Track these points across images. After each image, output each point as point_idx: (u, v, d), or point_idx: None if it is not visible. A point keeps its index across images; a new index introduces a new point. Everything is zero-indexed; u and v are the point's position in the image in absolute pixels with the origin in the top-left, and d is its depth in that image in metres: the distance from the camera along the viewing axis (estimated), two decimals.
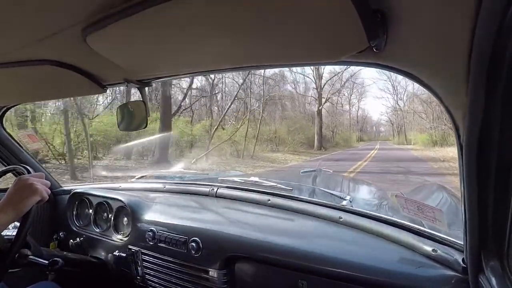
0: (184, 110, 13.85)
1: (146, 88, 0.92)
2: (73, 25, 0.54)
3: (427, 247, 0.78)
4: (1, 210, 0.79)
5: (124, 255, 1.19)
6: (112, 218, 1.30)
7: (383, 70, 0.69)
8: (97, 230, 1.34)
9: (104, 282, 1.34)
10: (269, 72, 16.74)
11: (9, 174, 1.40)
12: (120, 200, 1.27)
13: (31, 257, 1.02)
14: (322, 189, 1.32)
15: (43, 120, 8.57)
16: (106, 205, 1.34)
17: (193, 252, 1.00)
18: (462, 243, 0.66)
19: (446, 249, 0.77)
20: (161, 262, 1.09)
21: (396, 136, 35.78)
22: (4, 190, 1.46)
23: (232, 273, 0.97)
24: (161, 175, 1.94)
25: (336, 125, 28.31)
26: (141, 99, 0.91)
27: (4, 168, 1.34)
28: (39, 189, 0.83)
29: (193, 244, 1.00)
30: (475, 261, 0.60)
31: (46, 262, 1.02)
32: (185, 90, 13.90)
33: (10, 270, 0.95)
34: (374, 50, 0.52)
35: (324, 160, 11.70)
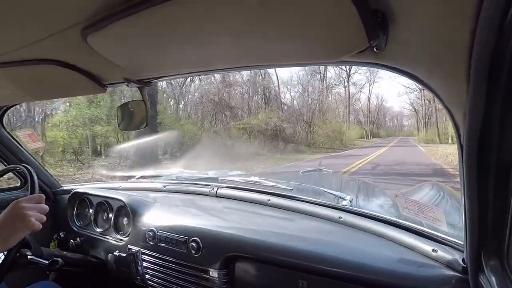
0: None
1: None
2: (73, 25, 0.54)
3: (427, 247, 0.78)
4: None
5: (124, 255, 1.19)
6: (112, 218, 1.30)
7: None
8: (97, 230, 1.34)
9: (104, 282, 1.34)
10: None
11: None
12: (120, 200, 1.27)
13: (31, 257, 1.02)
14: (322, 189, 1.32)
15: None
16: (106, 205, 1.34)
17: (193, 252, 1.00)
18: (462, 243, 0.66)
19: (446, 249, 0.77)
20: (161, 262, 1.09)
21: (423, 130, 24.71)
22: (5, 190, 1.47)
23: (232, 273, 0.97)
24: (161, 175, 1.94)
25: (315, 111, 18.55)
26: (141, 99, 0.91)
27: (4, 167, 1.34)
28: (31, 222, 0.79)
29: (193, 244, 1.00)
30: (475, 261, 0.60)
31: (46, 262, 1.02)
32: None
33: (10, 270, 0.95)
34: (375, 50, 0.52)
35: None
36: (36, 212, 0.81)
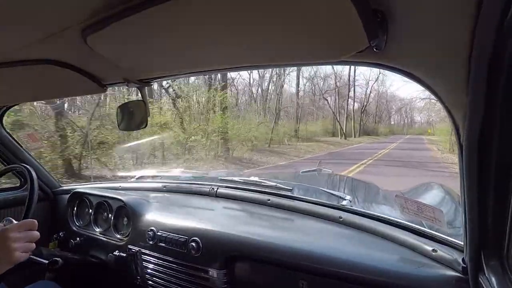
0: None
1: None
2: (73, 25, 0.54)
3: (427, 247, 0.78)
4: None
5: (124, 255, 1.19)
6: (112, 218, 1.30)
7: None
8: (97, 230, 1.34)
9: (104, 282, 1.34)
10: None
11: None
12: (120, 200, 1.27)
13: (31, 256, 1.01)
14: (322, 189, 1.32)
15: None
16: (106, 205, 1.34)
17: (193, 252, 1.00)
18: (462, 243, 0.66)
19: (446, 249, 0.77)
20: (161, 262, 1.09)
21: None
22: (4, 190, 1.47)
23: (232, 273, 0.97)
24: (161, 175, 1.93)
25: None
26: (141, 99, 0.91)
27: (4, 167, 1.34)
28: (15, 257, 0.75)
29: (193, 244, 1.00)
30: (475, 261, 0.60)
31: (46, 261, 1.02)
32: None
33: (9, 270, 0.95)
34: (374, 50, 0.52)
35: None
36: (23, 243, 0.77)
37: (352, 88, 24.26)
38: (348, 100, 23.91)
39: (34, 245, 0.80)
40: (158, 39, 0.58)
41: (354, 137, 23.24)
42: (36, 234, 0.81)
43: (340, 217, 0.97)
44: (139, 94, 0.92)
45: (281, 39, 0.54)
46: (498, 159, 0.49)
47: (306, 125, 19.76)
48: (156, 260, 1.11)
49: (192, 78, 11.11)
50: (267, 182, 1.30)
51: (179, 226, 1.09)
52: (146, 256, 1.13)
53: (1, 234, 0.76)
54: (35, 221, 0.83)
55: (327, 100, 23.15)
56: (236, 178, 1.41)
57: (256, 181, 1.34)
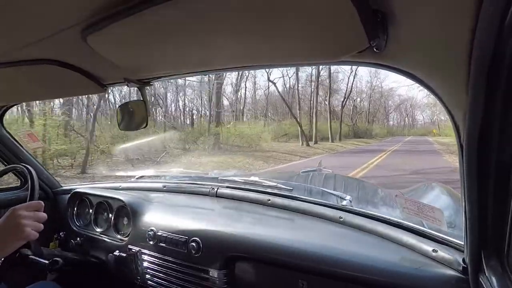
0: None
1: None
2: (73, 25, 0.54)
3: (427, 247, 0.78)
4: None
5: (124, 255, 1.19)
6: (112, 218, 1.30)
7: None
8: (98, 230, 1.34)
9: (104, 282, 1.34)
10: None
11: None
12: (121, 200, 1.27)
13: (31, 257, 1.02)
14: (322, 188, 1.32)
15: None
16: (106, 205, 1.34)
17: (193, 252, 1.00)
18: (462, 243, 0.66)
19: (446, 249, 0.77)
20: (161, 262, 1.09)
21: None
22: (5, 190, 1.47)
23: (232, 273, 0.97)
24: (161, 175, 1.93)
25: None
26: (141, 99, 0.91)
27: (4, 167, 1.35)
28: (26, 233, 0.77)
29: (193, 244, 1.00)
30: (475, 261, 0.60)
31: (46, 262, 1.02)
32: None
33: (10, 270, 0.95)
34: (375, 50, 0.52)
35: None
36: (32, 222, 0.79)
37: (326, 73, 16.85)
38: (318, 89, 16.29)
39: (42, 225, 0.81)
40: (158, 39, 0.58)
41: (332, 141, 16.61)
42: (43, 215, 0.83)
43: (340, 217, 0.97)
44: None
45: (281, 39, 0.54)
46: (498, 159, 0.49)
47: (229, 125, 13.18)
48: (156, 260, 1.11)
49: None
50: (267, 182, 1.30)
51: (179, 226, 1.09)
52: (146, 256, 1.13)
53: (12, 213, 0.79)
54: (42, 202, 0.85)
55: (274, 83, 16.23)
56: (236, 178, 1.41)
57: (256, 181, 1.34)
